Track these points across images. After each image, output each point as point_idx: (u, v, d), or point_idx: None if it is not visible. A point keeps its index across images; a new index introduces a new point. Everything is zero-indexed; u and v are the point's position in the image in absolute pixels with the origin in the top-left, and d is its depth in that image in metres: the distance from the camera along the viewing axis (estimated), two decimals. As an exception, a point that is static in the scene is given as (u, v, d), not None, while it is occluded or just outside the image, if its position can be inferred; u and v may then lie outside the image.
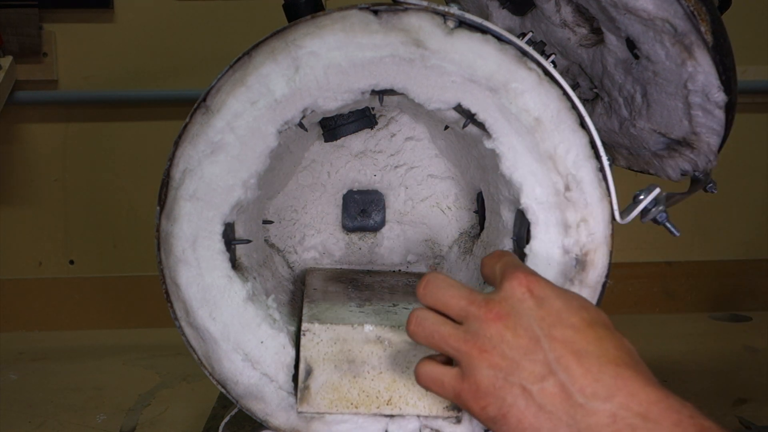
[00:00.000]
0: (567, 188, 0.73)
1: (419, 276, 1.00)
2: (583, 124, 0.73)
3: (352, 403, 0.74)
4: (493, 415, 0.58)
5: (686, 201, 0.80)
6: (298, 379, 0.73)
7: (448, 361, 0.62)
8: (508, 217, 0.83)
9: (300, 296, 0.90)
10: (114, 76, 1.65)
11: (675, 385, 1.26)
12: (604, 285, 0.75)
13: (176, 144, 0.73)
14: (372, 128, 0.99)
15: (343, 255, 1.04)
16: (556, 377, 0.56)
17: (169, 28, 1.65)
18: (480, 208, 0.98)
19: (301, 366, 0.73)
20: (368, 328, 0.73)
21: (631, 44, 0.78)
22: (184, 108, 0.76)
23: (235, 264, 0.78)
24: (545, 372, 0.56)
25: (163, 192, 0.74)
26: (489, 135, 0.75)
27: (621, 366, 0.56)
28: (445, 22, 0.72)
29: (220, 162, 0.73)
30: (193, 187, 0.73)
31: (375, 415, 0.75)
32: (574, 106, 0.73)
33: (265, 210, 0.99)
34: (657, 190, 0.73)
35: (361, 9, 0.72)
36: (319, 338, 0.73)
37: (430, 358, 0.64)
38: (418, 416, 0.75)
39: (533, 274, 0.61)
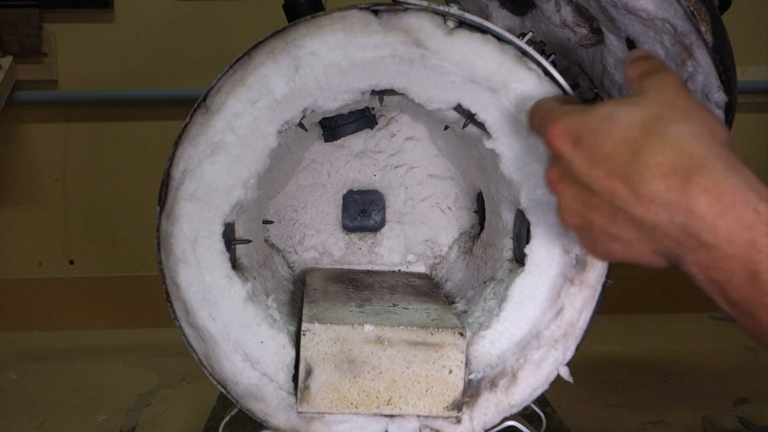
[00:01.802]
0: (567, 188, 0.73)
1: (419, 276, 1.00)
2: (583, 124, 0.73)
3: (352, 403, 0.74)
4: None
5: (686, 201, 0.80)
6: (298, 379, 0.73)
7: None
8: (508, 217, 0.83)
9: (300, 296, 0.90)
10: (114, 76, 1.65)
11: (675, 385, 1.26)
12: (604, 285, 0.75)
13: (176, 144, 0.73)
14: (372, 128, 0.99)
15: (343, 255, 1.04)
16: (621, 212, 0.53)
17: (169, 28, 1.65)
18: (480, 208, 0.98)
19: (301, 366, 0.73)
20: (368, 328, 0.73)
21: (631, 44, 0.78)
22: (184, 108, 0.76)
23: (235, 264, 0.78)
24: (611, 212, 0.54)
25: (163, 192, 0.74)
26: (489, 135, 0.75)
27: (670, 176, 0.50)
28: (445, 22, 0.72)
29: (220, 162, 0.73)
30: (193, 187, 0.73)
31: (375, 415, 0.75)
32: (574, 106, 0.73)
33: (265, 210, 0.99)
34: (657, 190, 0.73)
35: (361, 9, 0.72)
36: (319, 338, 0.73)
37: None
38: (418, 416, 0.75)
39: (565, 117, 0.57)
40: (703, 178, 0.50)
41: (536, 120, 0.61)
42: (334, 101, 0.74)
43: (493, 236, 0.89)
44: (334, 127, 0.93)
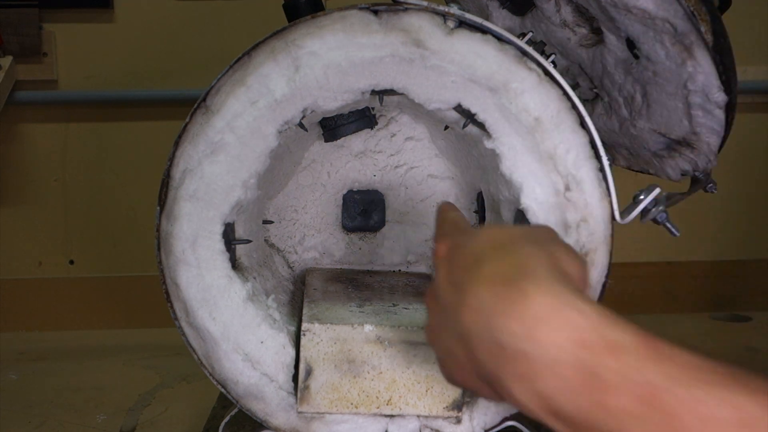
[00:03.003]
0: (567, 188, 0.73)
1: (419, 276, 1.00)
2: (583, 124, 0.73)
3: (352, 403, 0.74)
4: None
5: (686, 201, 0.80)
6: (298, 379, 0.73)
7: None
8: (508, 217, 0.83)
9: (300, 296, 0.90)
10: (114, 76, 1.65)
11: (675, 385, 1.26)
12: (604, 285, 0.75)
13: (176, 144, 0.73)
14: (372, 128, 0.99)
15: (343, 255, 1.03)
16: (451, 322, 0.50)
17: (169, 28, 1.65)
18: (480, 208, 0.98)
19: (301, 366, 0.73)
20: (368, 328, 0.73)
21: (631, 44, 0.78)
22: (184, 108, 0.76)
23: (235, 264, 0.78)
24: (447, 326, 0.51)
25: (163, 192, 0.74)
26: (489, 135, 0.75)
27: (497, 284, 0.47)
28: (445, 22, 0.72)
29: (220, 162, 0.73)
30: (193, 187, 0.73)
31: (375, 415, 0.75)
32: (574, 106, 0.73)
33: (265, 210, 0.99)
34: (657, 190, 0.73)
35: (361, 9, 0.72)
36: (319, 338, 0.73)
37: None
38: (418, 416, 0.75)
39: (443, 238, 0.56)
40: (528, 284, 0.46)
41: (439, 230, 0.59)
42: (334, 101, 0.74)
43: (493, 236, 0.89)
44: (334, 127, 0.93)
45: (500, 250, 0.50)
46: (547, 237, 0.53)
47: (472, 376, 0.50)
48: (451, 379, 0.55)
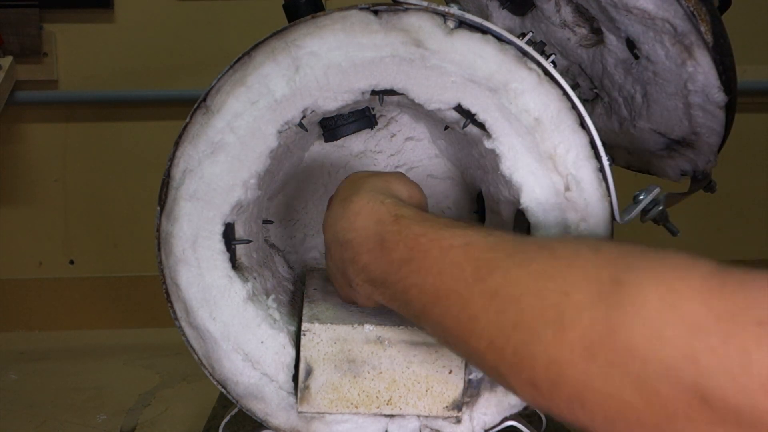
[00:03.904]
0: (567, 188, 0.73)
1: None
2: (583, 124, 0.73)
3: (352, 403, 0.74)
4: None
5: (686, 201, 0.80)
6: (298, 379, 0.73)
7: None
8: (508, 217, 0.83)
9: (300, 296, 0.90)
10: (114, 76, 1.65)
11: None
12: (604, 285, 0.75)
13: (176, 144, 0.73)
14: (372, 128, 0.99)
15: (343, 255, 1.03)
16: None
17: (169, 28, 1.65)
18: (480, 208, 0.98)
19: (301, 366, 0.73)
20: (368, 328, 0.73)
21: (631, 44, 0.78)
22: (184, 108, 0.76)
23: (235, 264, 0.78)
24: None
25: (164, 192, 0.74)
26: (489, 135, 0.75)
27: (334, 206, 0.67)
28: (445, 22, 0.72)
29: (221, 162, 0.73)
30: (193, 187, 0.73)
31: (375, 415, 0.75)
32: (574, 106, 0.73)
33: (265, 210, 0.99)
34: (657, 190, 0.73)
35: (361, 9, 0.72)
36: (319, 338, 0.73)
37: None
38: (418, 416, 0.75)
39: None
40: (354, 195, 0.64)
41: None
42: (334, 101, 0.74)
43: (493, 236, 0.89)
44: (334, 127, 0.93)
45: (351, 183, 0.69)
46: (391, 173, 0.71)
47: (343, 281, 0.67)
48: (341, 293, 0.72)
